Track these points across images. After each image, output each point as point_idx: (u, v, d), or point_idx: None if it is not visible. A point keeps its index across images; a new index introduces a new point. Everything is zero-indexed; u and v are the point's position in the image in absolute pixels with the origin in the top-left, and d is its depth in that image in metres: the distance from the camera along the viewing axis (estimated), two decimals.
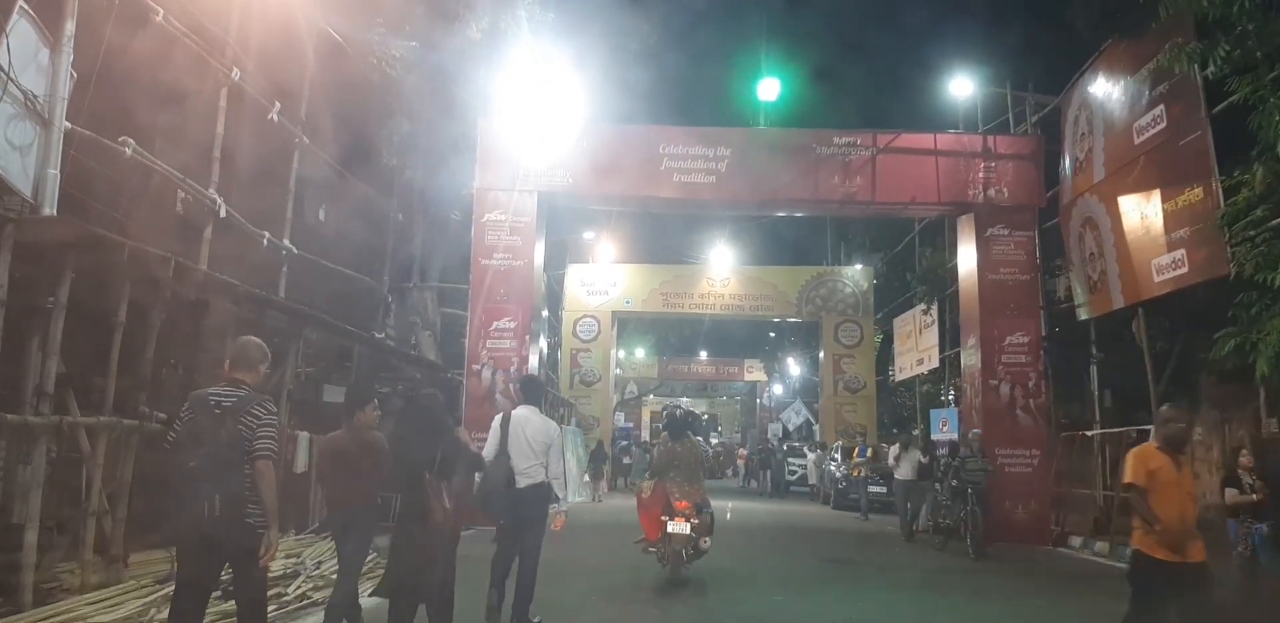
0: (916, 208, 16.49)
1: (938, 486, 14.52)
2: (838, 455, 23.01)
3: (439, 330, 16.97)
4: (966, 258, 16.18)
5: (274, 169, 11.84)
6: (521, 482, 6.40)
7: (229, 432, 4.18)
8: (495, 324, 15.33)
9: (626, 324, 34.00)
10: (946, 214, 16.93)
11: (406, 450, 5.40)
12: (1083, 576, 11.55)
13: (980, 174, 15.81)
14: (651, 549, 9.35)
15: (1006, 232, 15.70)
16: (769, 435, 40.35)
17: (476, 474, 6.29)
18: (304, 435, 10.04)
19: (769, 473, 22.98)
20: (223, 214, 9.94)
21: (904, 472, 15.38)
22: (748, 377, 47.67)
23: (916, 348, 23.84)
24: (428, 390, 6.07)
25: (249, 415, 4.24)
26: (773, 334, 43.56)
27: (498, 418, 6.69)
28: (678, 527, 8.88)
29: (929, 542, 14.02)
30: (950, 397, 25.38)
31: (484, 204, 15.63)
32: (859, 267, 28.80)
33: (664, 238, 30.93)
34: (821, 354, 28.42)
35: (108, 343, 6.88)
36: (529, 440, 6.50)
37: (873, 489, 19.96)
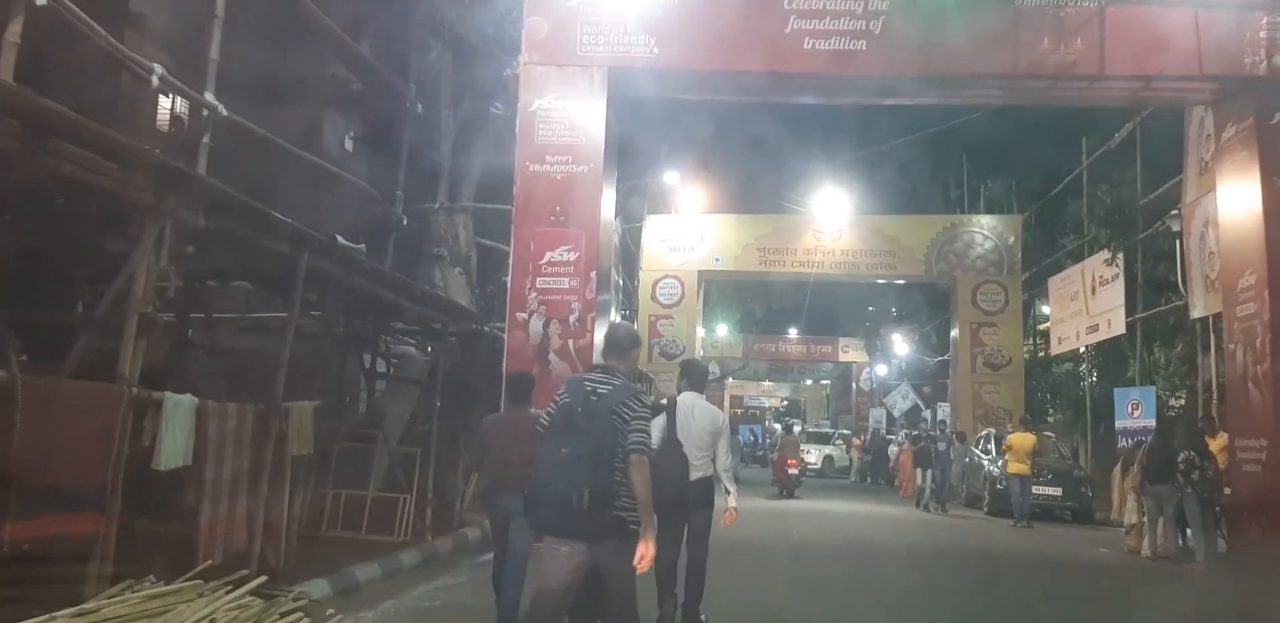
0: (1162, 86, 11.25)
1: None
2: (991, 447, 17.99)
3: (473, 269, 12.35)
4: (1234, 160, 11.06)
5: None
6: (692, 474, 5.89)
7: (603, 422, 4.00)
8: (549, 255, 10.74)
9: (709, 293, 29.40)
10: (1201, 98, 11.69)
11: None
12: None
13: (1262, 34, 10.68)
14: (776, 484, 19.68)
15: None
16: (873, 423, 35.41)
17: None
18: (182, 402, 5.42)
19: (929, 473, 17.04)
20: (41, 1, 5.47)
21: None
22: (843, 357, 42.70)
23: (1086, 312, 19.00)
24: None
25: (623, 407, 4.04)
26: (871, 308, 39.00)
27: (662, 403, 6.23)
28: (792, 470, 19.34)
29: None
30: (1092, 378, 20.58)
31: (533, 86, 10.99)
32: (1002, 215, 23.52)
33: (761, 180, 25.94)
34: (955, 327, 23.27)
35: None
36: (697, 430, 5.98)
37: (1045, 491, 15.88)
